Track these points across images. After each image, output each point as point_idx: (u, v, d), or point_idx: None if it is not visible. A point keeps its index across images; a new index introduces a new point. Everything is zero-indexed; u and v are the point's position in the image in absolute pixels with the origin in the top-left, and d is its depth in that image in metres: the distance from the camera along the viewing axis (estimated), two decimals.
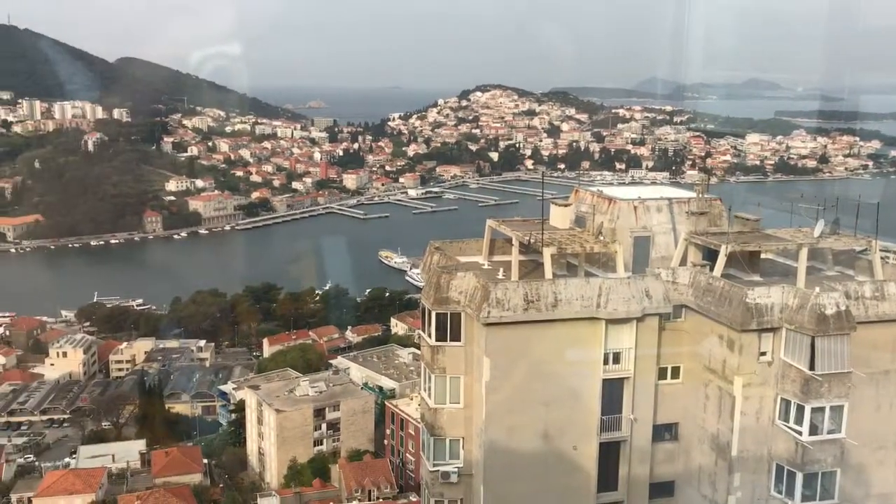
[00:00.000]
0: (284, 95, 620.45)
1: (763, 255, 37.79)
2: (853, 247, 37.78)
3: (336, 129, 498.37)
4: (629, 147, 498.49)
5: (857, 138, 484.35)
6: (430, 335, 35.26)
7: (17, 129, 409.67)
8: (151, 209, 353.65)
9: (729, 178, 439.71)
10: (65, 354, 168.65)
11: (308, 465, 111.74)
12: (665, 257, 36.53)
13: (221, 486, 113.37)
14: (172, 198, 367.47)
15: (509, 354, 33.32)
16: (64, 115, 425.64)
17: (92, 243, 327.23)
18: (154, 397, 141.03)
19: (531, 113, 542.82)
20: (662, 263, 35.99)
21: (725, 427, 33.47)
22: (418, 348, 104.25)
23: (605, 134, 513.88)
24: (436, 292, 34.55)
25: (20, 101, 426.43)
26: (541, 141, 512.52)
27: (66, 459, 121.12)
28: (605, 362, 33.93)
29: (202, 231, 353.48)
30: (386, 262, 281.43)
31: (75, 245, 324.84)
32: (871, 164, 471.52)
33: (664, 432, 35.83)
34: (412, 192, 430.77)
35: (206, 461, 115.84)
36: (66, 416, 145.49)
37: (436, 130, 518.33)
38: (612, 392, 34.33)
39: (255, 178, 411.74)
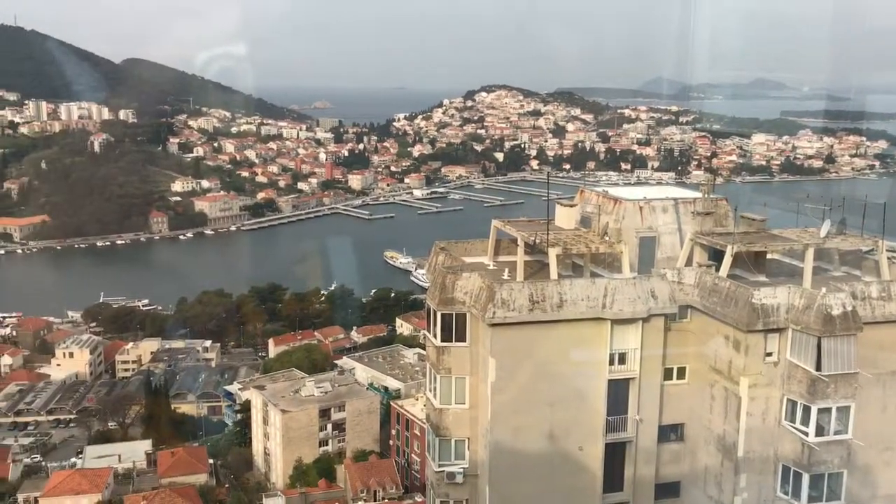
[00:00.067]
0: (290, 96, 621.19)
1: (769, 256, 37.68)
2: (860, 247, 37.64)
3: (341, 130, 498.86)
4: (635, 147, 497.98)
5: (864, 138, 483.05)
6: (435, 335, 35.23)
7: (23, 130, 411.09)
8: (157, 210, 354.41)
9: (735, 178, 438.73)
10: (71, 355, 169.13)
11: (313, 466, 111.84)
12: (671, 258, 36.45)
13: (227, 486, 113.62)
14: (178, 198, 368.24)
15: (515, 355, 33.28)
16: (70, 116, 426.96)
17: (98, 244, 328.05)
18: (160, 397, 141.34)
19: (536, 113, 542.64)
20: (668, 264, 35.92)
21: (731, 428, 33.40)
22: (424, 349, 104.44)
23: (610, 134, 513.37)
24: (441, 293, 34.53)
25: (27, 102, 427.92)
26: (546, 141, 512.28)
27: (73, 459, 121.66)
28: (611, 363, 33.87)
29: (208, 231, 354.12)
30: (391, 262, 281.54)
31: (81, 245, 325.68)
32: (877, 163, 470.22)
33: (670, 433, 35.76)
34: (417, 193, 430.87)
35: (211, 461, 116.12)
36: (72, 417, 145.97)
37: (441, 131, 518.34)
38: (618, 393, 34.28)
39: (261, 178, 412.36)
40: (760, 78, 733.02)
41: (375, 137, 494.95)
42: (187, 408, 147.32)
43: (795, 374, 32.18)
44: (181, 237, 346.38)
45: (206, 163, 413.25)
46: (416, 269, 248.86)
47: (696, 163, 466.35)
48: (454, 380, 35.23)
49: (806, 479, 32.46)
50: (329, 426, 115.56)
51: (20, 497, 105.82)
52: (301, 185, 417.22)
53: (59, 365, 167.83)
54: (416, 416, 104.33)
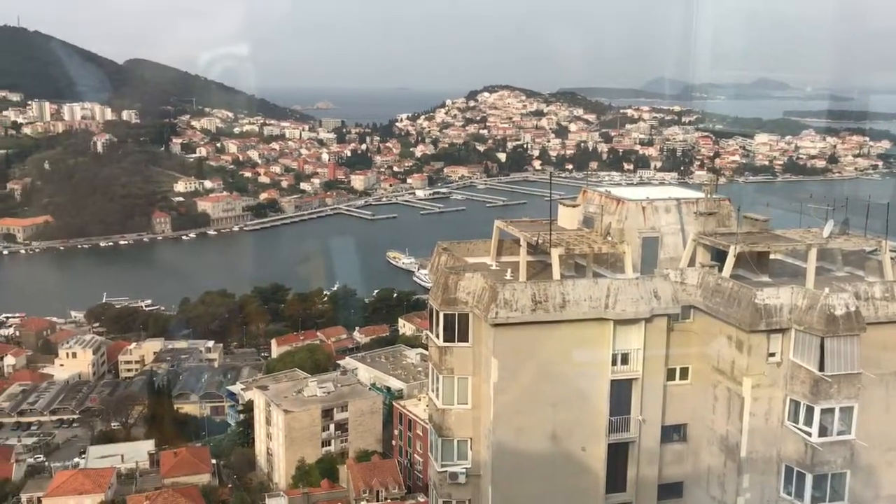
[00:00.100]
0: (292, 96, 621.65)
1: (772, 256, 37.64)
2: (863, 247, 37.59)
3: (344, 130, 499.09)
4: (637, 147, 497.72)
5: (867, 138, 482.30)
6: (437, 336, 35.24)
7: (26, 130, 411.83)
8: (160, 210, 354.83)
9: (738, 178, 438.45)
10: (74, 355, 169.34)
11: (316, 466, 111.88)
12: (673, 258, 36.44)
13: (230, 486, 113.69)
14: (181, 199, 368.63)
15: (517, 355, 33.27)
16: (73, 117, 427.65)
17: (101, 244, 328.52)
18: (163, 398, 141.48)
19: (539, 113, 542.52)
20: (671, 264, 35.91)
21: (734, 428, 33.37)
22: (426, 349, 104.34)
23: (613, 134, 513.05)
24: (444, 293, 34.54)
25: (30, 102, 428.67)
26: (549, 141, 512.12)
27: (76, 459, 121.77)
28: (614, 363, 33.85)
29: (211, 232, 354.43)
30: (394, 262, 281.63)
31: (84, 246, 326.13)
32: (880, 164, 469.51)
33: (673, 433, 35.74)
34: (420, 193, 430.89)
35: (214, 461, 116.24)
36: (75, 417, 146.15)
37: (443, 131, 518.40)
38: (621, 393, 34.25)
39: (264, 179, 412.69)
40: (763, 78, 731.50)
41: (378, 138, 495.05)
42: (190, 408, 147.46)
43: (798, 375, 32.14)
44: (184, 237, 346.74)
45: (208, 163, 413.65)
46: (418, 270, 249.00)
47: (698, 163, 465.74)
48: (457, 380, 35.24)
49: (809, 479, 32.42)
50: (332, 426, 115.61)
51: (24, 497, 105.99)
52: (304, 186, 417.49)
53: (62, 365, 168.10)
54: (419, 417, 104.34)
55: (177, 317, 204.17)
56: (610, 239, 35.97)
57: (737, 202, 38.30)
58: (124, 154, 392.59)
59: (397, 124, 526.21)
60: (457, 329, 34.69)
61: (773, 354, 32.58)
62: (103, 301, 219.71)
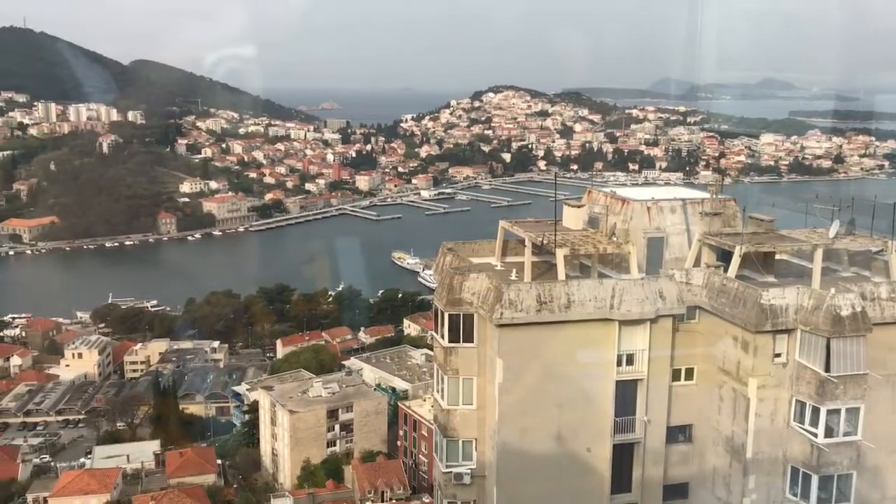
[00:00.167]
0: (297, 97, 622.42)
1: (778, 256, 37.54)
2: (869, 247, 37.47)
3: (349, 131, 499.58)
4: (642, 148, 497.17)
5: (873, 138, 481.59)
6: (442, 336, 35.23)
7: (32, 131, 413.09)
8: (166, 211, 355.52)
9: (743, 178, 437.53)
10: (80, 355, 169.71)
11: (321, 466, 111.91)
12: (679, 258, 36.37)
13: (235, 486, 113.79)
14: (186, 199, 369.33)
15: (522, 356, 33.25)
16: (79, 118, 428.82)
17: (107, 245, 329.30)
18: (168, 398, 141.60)
19: (544, 114, 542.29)
20: (676, 264, 35.84)
21: (740, 429, 33.31)
22: (431, 349, 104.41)
23: (618, 134, 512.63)
24: (448, 293, 34.53)
25: (36, 103, 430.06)
26: (553, 142, 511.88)
27: (82, 460, 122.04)
28: (619, 364, 33.81)
29: (216, 232, 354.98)
30: (399, 263, 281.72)
31: (90, 246, 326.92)
32: (887, 164, 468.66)
33: (678, 434, 35.68)
34: (425, 194, 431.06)
35: (219, 462, 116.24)
36: (81, 417, 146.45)
37: (448, 131, 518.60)
38: (626, 394, 34.22)
39: (269, 179, 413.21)
40: (769, 78, 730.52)
41: (383, 138, 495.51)
42: (195, 408, 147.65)
43: (804, 375, 32.07)
44: (189, 238, 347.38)
45: (214, 164, 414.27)
46: (423, 270, 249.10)
47: (704, 163, 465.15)
48: (462, 380, 35.23)
49: (815, 480, 32.34)
50: (337, 427, 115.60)
51: (30, 497, 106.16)
52: (309, 186, 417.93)
53: (67, 365, 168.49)
54: (424, 417, 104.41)
55: (182, 317, 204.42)
56: (615, 239, 35.91)
57: (742, 202, 38.20)
58: (130, 155, 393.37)
59: (402, 125, 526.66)
60: (462, 329, 34.68)
61: (778, 355, 32.51)
62: (109, 301, 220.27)
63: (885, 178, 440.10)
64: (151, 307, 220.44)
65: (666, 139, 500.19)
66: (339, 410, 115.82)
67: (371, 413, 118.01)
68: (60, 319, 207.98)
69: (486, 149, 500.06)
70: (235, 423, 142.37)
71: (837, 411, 31.68)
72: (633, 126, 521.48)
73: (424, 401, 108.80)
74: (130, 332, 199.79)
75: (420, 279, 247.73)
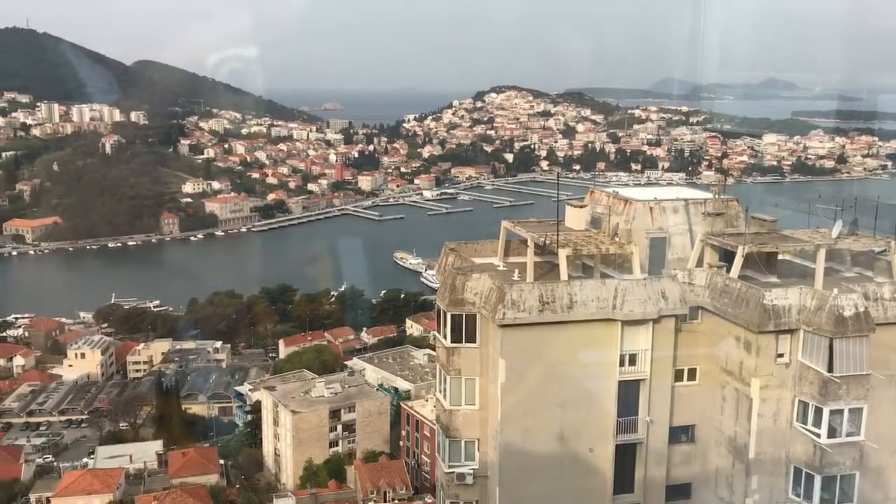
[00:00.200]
0: (300, 97, 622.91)
1: (780, 257, 37.53)
2: (872, 248, 37.44)
3: (351, 131, 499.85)
4: (645, 148, 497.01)
5: (876, 138, 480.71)
6: (445, 336, 35.23)
7: (35, 132, 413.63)
8: (168, 211, 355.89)
9: (746, 178, 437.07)
10: (83, 355, 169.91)
11: (324, 467, 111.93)
12: (681, 258, 36.35)
13: (237, 486, 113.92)
14: (189, 200, 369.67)
15: (524, 356, 33.26)
16: (82, 118, 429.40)
17: (109, 245, 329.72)
18: (171, 398, 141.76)
19: (546, 114, 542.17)
20: (679, 265, 35.82)
21: (742, 429, 33.28)
22: (433, 350, 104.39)
23: (620, 135, 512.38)
24: (451, 294, 34.53)
25: (39, 104, 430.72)
26: (556, 142, 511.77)
27: (85, 460, 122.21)
28: (621, 364, 33.80)
29: (218, 233, 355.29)
30: (401, 263, 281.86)
31: (93, 247, 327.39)
32: (889, 164, 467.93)
33: (681, 434, 35.67)
34: (427, 194, 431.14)
35: (222, 462, 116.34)
36: (84, 417, 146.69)
37: (451, 132, 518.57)
38: (628, 394, 34.21)
39: (271, 179, 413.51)
40: (771, 78, 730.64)
41: (385, 138, 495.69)
42: (198, 408, 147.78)
43: (807, 376, 32.04)
44: (192, 238, 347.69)
45: (216, 164, 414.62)
46: (425, 270, 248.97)
47: (706, 163, 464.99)
48: (464, 381, 35.22)
49: (818, 480, 32.31)
50: (339, 427, 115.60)
51: (32, 497, 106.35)
52: (311, 187, 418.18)
53: (70, 366, 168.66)
54: (426, 417, 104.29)
55: (185, 317, 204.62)
56: (617, 239, 35.89)
57: (745, 203, 38.20)
58: (133, 155, 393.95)
59: (404, 125, 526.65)
60: (464, 330, 34.67)
61: (781, 355, 32.49)
62: (112, 302, 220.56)
63: (888, 178, 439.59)
64: (154, 307, 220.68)
65: (668, 139, 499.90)
66: (342, 411, 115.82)
67: (373, 413, 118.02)
68: (63, 319, 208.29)
69: (488, 149, 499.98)
70: (238, 424, 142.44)
71: (840, 412, 31.65)
72: (635, 126, 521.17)
73: (427, 401, 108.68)
74: (133, 332, 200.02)
75: (422, 279, 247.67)
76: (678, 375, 34.82)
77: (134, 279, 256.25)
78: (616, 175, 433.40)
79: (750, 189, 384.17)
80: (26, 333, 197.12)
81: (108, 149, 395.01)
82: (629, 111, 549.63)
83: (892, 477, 34.32)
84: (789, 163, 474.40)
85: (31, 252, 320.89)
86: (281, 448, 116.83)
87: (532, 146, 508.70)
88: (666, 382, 34.42)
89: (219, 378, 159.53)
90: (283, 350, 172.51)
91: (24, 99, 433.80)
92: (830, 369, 31.16)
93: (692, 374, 35.06)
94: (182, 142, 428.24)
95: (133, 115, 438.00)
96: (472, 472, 35.74)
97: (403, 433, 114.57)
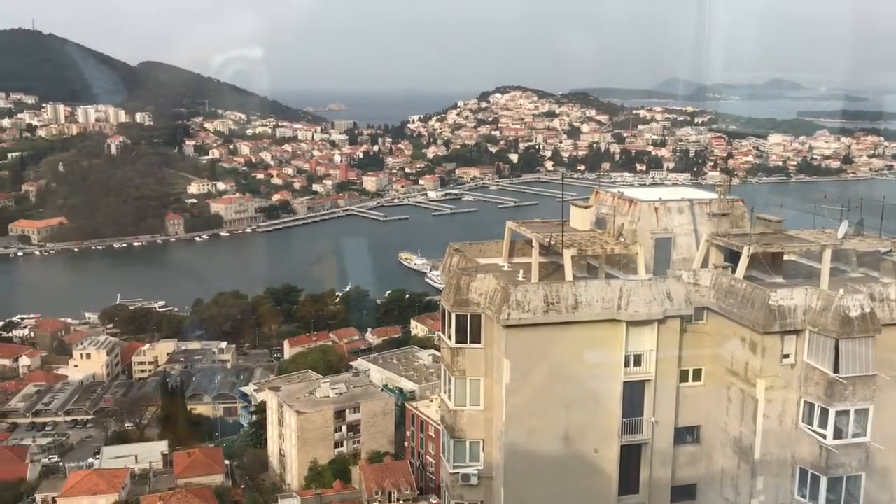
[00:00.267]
0: (305, 98, 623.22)
1: (786, 257, 37.41)
2: (878, 248, 37.30)
3: (356, 132, 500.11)
4: (650, 148, 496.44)
5: (882, 138, 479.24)
6: (449, 337, 35.22)
7: (41, 132, 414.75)
8: (173, 211, 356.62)
9: (751, 178, 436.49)
10: (88, 356, 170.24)
11: (328, 467, 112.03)
12: (686, 259, 36.27)
13: (243, 487, 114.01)
14: (194, 200, 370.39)
15: (529, 356, 33.22)
16: (87, 119, 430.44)
17: (115, 245, 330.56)
18: (176, 398, 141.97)
19: (551, 114, 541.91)
20: (684, 265, 35.74)
21: (748, 430, 33.18)
22: (438, 350, 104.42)
23: (625, 135, 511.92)
24: (456, 294, 34.51)
25: (44, 105, 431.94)
26: (561, 142, 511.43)
27: (90, 460, 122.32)
28: (626, 364, 33.74)
29: (223, 233, 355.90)
30: (406, 263, 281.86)
31: (98, 247, 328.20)
32: (895, 164, 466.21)
33: (686, 435, 35.59)
34: (432, 194, 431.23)
35: (227, 462, 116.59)
36: (89, 417, 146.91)
37: (455, 132, 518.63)
38: (633, 394, 34.15)
39: (276, 180, 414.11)
40: (777, 78, 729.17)
41: (390, 139, 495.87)
42: (203, 409, 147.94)
43: (813, 377, 31.94)
44: (197, 239, 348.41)
45: (221, 165, 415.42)
46: (430, 271, 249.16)
47: (711, 164, 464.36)
48: (469, 381, 35.20)
49: (824, 482, 32.20)
50: (344, 427, 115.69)
51: (38, 497, 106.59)
52: (316, 187, 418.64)
53: (76, 366, 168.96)
54: (431, 418, 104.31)
55: (190, 318, 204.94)
56: (622, 240, 35.87)
57: (750, 203, 38.10)
58: (138, 156, 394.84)
59: (409, 125, 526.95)
60: (469, 330, 34.65)
61: (787, 356, 32.38)
62: (117, 302, 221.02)
63: (894, 178, 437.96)
64: (159, 308, 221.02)
65: (673, 140, 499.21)
66: (347, 411, 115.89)
67: (378, 414, 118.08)
68: (69, 320, 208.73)
69: (493, 149, 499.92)
70: (243, 424, 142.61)
71: (846, 412, 31.53)
72: (640, 126, 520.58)
73: (431, 401, 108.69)
74: (138, 332, 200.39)
75: (427, 280, 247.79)
76: (683, 376, 34.73)
77: (139, 280, 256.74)
78: (621, 175, 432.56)
79: (755, 189, 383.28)
80: (32, 334, 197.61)
81: (113, 149, 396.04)
82: (634, 111, 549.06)
83: None
84: (795, 163, 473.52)
85: (37, 252, 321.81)
86: (286, 448, 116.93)
87: (537, 146, 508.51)
88: (671, 383, 34.35)
89: (224, 378, 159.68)
90: (288, 350, 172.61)
91: (30, 100, 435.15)
92: (836, 370, 31.05)
93: (697, 374, 34.97)
94: (187, 142, 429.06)
95: (138, 116, 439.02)
96: (476, 472, 35.72)
97: (408, 434, 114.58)
